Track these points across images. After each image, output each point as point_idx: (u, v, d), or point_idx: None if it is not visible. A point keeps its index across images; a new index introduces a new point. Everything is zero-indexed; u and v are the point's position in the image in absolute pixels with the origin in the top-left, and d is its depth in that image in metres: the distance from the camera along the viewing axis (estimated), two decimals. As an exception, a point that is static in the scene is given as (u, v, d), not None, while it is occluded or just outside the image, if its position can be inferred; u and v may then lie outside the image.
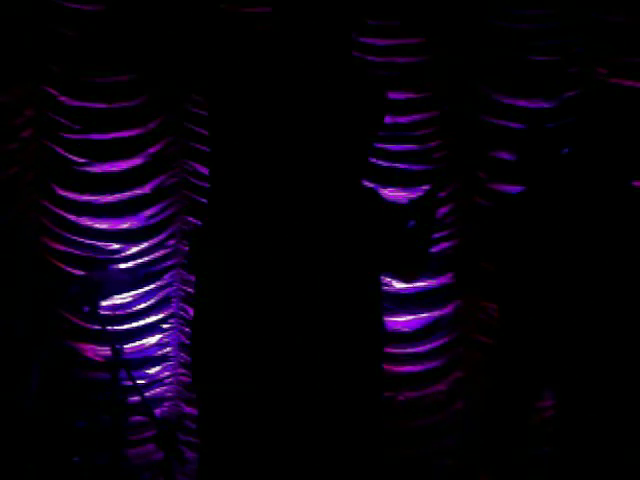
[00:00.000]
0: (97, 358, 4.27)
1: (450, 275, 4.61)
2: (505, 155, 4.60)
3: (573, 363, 3.10)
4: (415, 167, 4.71)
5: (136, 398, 3.98)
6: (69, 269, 4.42)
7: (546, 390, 3.30)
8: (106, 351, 4.04)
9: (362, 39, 4.77)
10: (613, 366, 3.08)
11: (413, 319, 4.64)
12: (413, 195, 2.83)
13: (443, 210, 4.69)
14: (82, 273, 4.20)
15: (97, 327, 4.05)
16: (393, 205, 3.49)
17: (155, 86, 4.60)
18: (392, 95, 4.77)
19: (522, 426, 3.21)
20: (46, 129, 4.57)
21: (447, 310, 4.65)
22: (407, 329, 4.60)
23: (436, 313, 4.65)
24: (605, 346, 3.07)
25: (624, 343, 3.07)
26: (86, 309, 3.92)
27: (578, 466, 3.10)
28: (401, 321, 4.59)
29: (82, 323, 4.41)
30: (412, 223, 2.79)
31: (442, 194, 4.05)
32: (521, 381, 3.19)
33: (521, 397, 3.20)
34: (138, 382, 3.92)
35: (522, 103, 4.76)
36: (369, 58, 4.78)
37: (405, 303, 4.62)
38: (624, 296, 3.10)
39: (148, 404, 3.71)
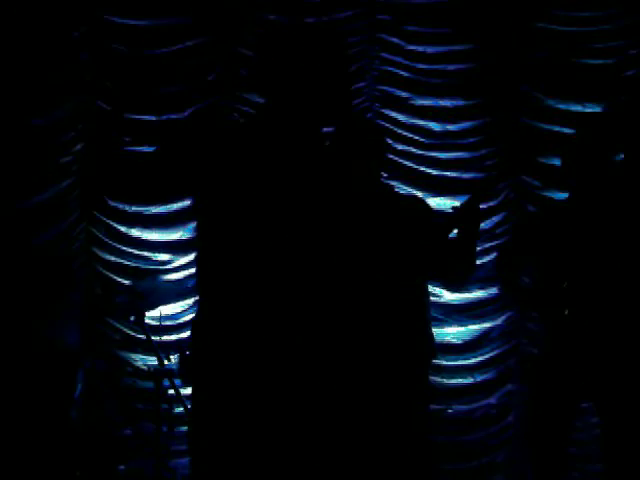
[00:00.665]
0: (145, 368, 4.29)
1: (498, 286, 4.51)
2: (558, 162, 4.48)
3: (617, 377, 2.98)
4: (465, 175, 4.62)
5: (182, 408, 4.02)
6: (118, 279, 4.47)
7: (588, 403, 3.19)
8: (153, 361, 4.09)
9: (411, 46, 4.73)
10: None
11: (463, 330, 4.55)
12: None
13: (494, 219, 4.60)
14: (129, 282, 4.24)
15: (144, 337, 4.09)
16: (439, 213, 3.45)
17: (203, 96, 4.63)
18: (442, 102, 4.74)
19: (565, 438, 3.10)
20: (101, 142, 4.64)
21: (498, 321, 4.55)
22: (457, 340, 4.51)
23: (487, 324, 4.55)
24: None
25: None
26: (132, 318, 3.96)
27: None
28: (451, 332, 4.51)
29: (131, 333, 4.46)
30: (456, 231, 2.74)
31: (486, 201, 3.96)
32: (563, 394, 3.08)
33: (563, 410, 3.09)
34: (183, 392, 3.94)
35: (576, 108, 4.64)
36: (418, 66, 4.74)
37: (455, 314, 4.54)
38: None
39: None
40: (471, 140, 4.66)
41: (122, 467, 3.90)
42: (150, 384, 3.94)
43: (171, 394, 3.94)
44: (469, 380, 4.44)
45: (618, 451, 3.03)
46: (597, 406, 3.12)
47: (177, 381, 3.88)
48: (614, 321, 3.02)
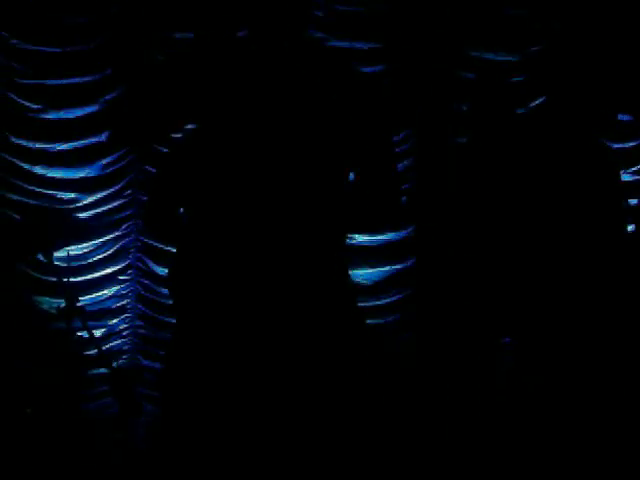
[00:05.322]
0: (52, 310, 4.17)
1: (411, 228, 4.59)
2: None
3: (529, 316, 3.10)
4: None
5: (93, 351, 3.93)
6: (23, 219, 4.29)
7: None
8: (62, 303, 3.97)
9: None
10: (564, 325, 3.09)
11: (373, 272, 4.62)
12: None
13: (405, 162, 4.66)
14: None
15: (52, 278, 3.96)
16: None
17: (112, 30, 4.44)
18: (358, 45, 4.72)
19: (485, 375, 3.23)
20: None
21: (408, 263, 4.64)
22: (367, 282, 4.58)
23: (397, 266, 4.64)
24: (565, 300, 3.08)
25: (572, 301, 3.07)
26: (40, 258, 3.82)
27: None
28: (361, 273, 4.57)
29: (37, 274, 4.31)
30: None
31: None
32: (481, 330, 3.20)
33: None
34: (94, 334, 3.85)
35: (488, 56, 4.72)
36: (334, 6, 4.69)
37: (367, 256, 4.60)
38: (579, 253, 3.10)
39: (105, 356, 3.65)
40: (386, 83, 4.66)
41: (32, 412, 3.80)
42: (61, 326, 3.83)
43: (82, 336, 3.85)
44: (379, 320, 4.52)
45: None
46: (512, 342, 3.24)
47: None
48: (525, 260, 3.12)
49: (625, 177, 4.63)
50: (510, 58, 4.65)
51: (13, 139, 4.41)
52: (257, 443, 1.86)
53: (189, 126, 1.99)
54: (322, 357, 1.90)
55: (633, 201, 3.65)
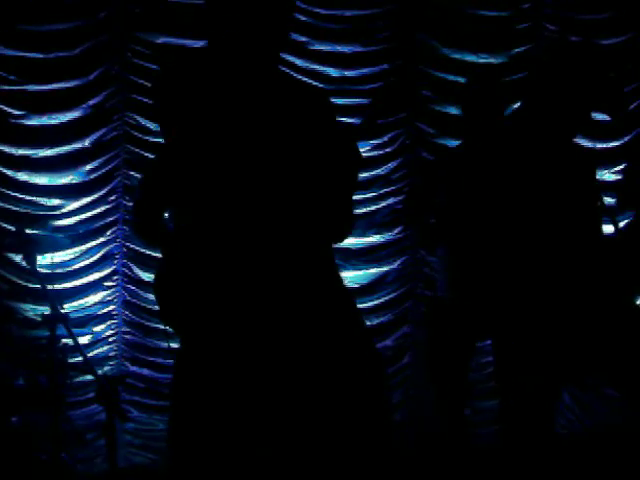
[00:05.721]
0: (37, 317, 4.14)
1: (397, 230, 4.60)
2: (453, 110, 4.59)
3: (510, 317, 3.10)
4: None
5: (79, 358, 3.90)
6: (5, 225, 4.26)
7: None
8: (46, 310, 3.93)
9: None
10: (551, 319, 3.09)
11: (361, 274, 4.63)
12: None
13: (390, 164, 4.67)
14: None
15: (36, 285, 3.93)
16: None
17: (95, 35, 4.43)
18: (340, 48, 4.73)
19: (462, 379, 3.23)
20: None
21: (394, 265, 4.65)
22: (354, 284, 4.59)
23: (383, 268, 4.64)
24: (544, 300, 3.08)
25: (562, 296, 3.08)
26: (24, 264, 3.79)
27: (523, 414, 3.13)
28: (349, 276, 4.57)
29: (21, 281, 4.28)
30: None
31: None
32: (459, 335, 3.20)
33: (459, 351, 3.22)
34: (80, 341, 3.83)
35: (470, 58, 4.74)
36: (316, 10, 4.70)
37: (352, 258, 4.60)
38: (565, 249, 3.11)
39: (89, 362, 3.62)
40: (369, 87, 4.68)
41: (15, 419, 3.77)
42: (45, 334, 3.80)
43: (67, 343, 3.82)
44: (368, 322, 4.51)
45: (510, 388, 3.17)
46: (493, 344, 3.25)
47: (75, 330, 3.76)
48: (509, 261, 3.13)
49: (608, 177, 4.67)
50: (492, 60, 4.68)
51: (-5, 146, 4.38)
52: (257, 446, 1.86)
53: (175, 129, 1.98)
54: (320, 358, 1.90)
55: (611, 201, 3.68)
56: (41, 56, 4.40)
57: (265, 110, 1.93)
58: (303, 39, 4.68)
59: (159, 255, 2.10)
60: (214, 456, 1.88)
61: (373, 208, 4.64)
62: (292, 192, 1.93)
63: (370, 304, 4.60)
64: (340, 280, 2.05)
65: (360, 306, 4.56)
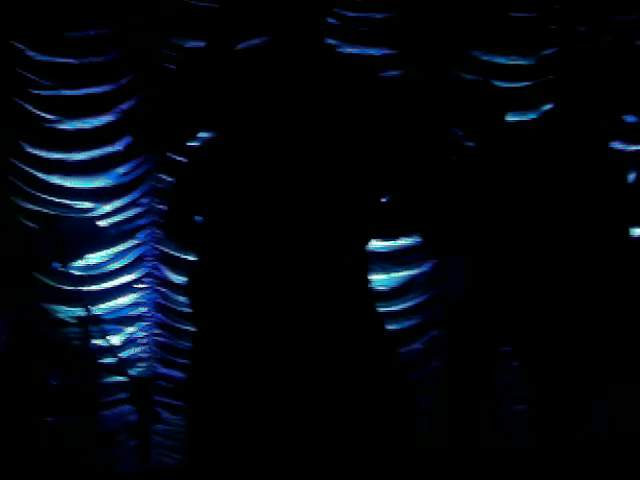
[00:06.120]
0: (70, 319, 4.19)
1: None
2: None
3: (534, 322, 3.08)
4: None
5: (110, 359, 3.96)
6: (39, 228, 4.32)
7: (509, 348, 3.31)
8: (79, 311, 3.99)
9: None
10: (573, 324, 3.07)
11: (390, 277, 4.62)
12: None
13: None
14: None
15: (69, 287, 3.99)
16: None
17: (127, 40, 4.47)
18: (370, 51, 4.73)
19: (488, 382, 3.22)
20: (15, 85, 4.44)
21: (424, 268, 4.64)
22: (384, 288, 4.58)
23: (412, 271, 4.63)
24: (568, 306, 3.06)
25: (586, 303, 3.05)
26: (57, 266, 3.85)
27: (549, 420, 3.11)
28: (378, 279, 4.56)
29: (54, 283, 4.33)
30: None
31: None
32: (483, 338, 3.19)
33: (485, 354, 3.21)
34: (112, 343, 3.88)
35: (500, 60, 4.72)
36: (346, 13, 4.70)
37: (381, 261, 4.60)
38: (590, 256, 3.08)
39: (122, 364, 3.67)
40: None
41: (50, 419, 3.83)
42: (78, 336, 3.85)
43: (100, 345, 3.87)
44: (395, 326, 4.51)
45: (538, 392, 3.15)
46: (515, 351, 3.23)
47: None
48: (529, 267, 3.11)
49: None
50: (522, 62, 4.65)
51: (30, 149, 4.44)
52: (278, 448, 1.87)
53: (206, 134, 2.00)
54: (346, 364, 1.90)
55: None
56: (74, 61, 4.46)
57: (299, 111, 1.94)
58: (333, 42, 4.68)
59: (190, 258, 2.12)
60: (230, 456, 1.89)
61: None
62: (333, 195, 1.93)
63: (399, 307, 4.60)
64: (366, 284, 2.05)
65: (389, 309, 4.57)
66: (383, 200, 2.16)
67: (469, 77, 4.67)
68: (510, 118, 3.47)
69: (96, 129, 4.47)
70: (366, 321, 1.99)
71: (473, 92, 3.47)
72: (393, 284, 4.63)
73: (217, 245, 1.97)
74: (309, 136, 1.93)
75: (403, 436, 1.96)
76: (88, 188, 4.48)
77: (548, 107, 3.85)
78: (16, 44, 4.40)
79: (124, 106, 4.48)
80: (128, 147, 4.46)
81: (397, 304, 4.60)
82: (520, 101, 4.48)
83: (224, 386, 1.91)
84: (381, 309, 4.43)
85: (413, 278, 4.65)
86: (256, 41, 2.00)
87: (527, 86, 4.64)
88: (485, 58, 4.70)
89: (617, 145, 4.00)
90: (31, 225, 4.35)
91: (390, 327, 4.69)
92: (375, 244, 4.70)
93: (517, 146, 3.26)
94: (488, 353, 3.23)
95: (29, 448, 3.69)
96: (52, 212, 4.41)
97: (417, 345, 4.61)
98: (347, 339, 1.92)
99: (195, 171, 2.12)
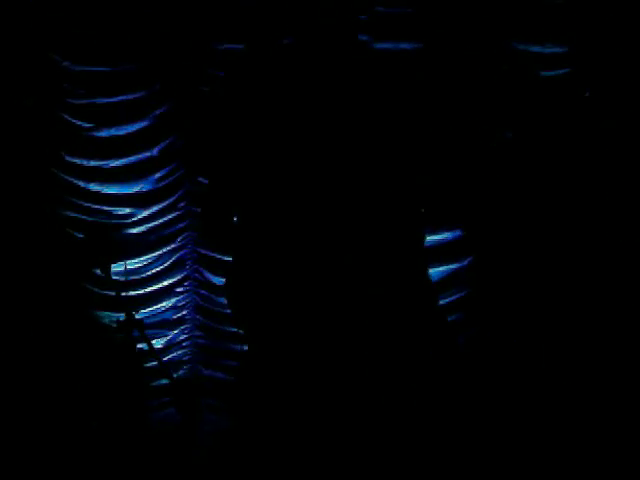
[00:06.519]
0: (113, 323, 4.23)
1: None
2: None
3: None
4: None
5: (153, 362, 3.97)
6: (78, 235, 4.37)
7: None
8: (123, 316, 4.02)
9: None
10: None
11: (431, 272, 4.57)
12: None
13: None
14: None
15: (111, 292, 4.02)
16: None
17: (159, 47, 4.50)
18: (402, 46, 4.69)
19: None
20: (51, 95, 4.50)
21: (465, 263, 4.59)
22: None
23: (454, 265, 4.59)
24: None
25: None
26: (97, 272, 3.88)
27: None
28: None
29: (97, 289, 4.38)
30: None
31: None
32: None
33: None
34: (154, 346, 3.90)
35: (535, 49, 4.65)
36: (378, 8, 4.67)
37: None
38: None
39: (165, 367, 3.69)
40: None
41: (96, 424, 3.86)
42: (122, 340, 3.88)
43: (142, 347, 3.89)
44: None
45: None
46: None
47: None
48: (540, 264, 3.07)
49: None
50: (557, 50, 4.57)
51: (68, 158, 4.50)
52: (336, 449, 1.85)
53: (240, 134, 1.99)
54: (401, 359, 1.88)
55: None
56: (108, 69, 4.50)
57: (338, 110, 1.92)
58: (364, 38, 4.66)
59: (229, 259, 2.11)
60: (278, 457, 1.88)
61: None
62: (371, 194, 1.91)
63: (442, 302, 4.54)
64: (425, 278, 2.02)
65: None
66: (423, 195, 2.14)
67: (506, 67, 4.61)
68: (548, 107, 3.41)
69: (131, 135, 4.51)
70: (411, 318, 1.97)
71: (511, 83, 3.42)
72: (433, 279, 4.58)
73: (253, 245, 1.96)
74: (343, 132, 1.92)
75: (447, 430, 1.93)
76: (126, 194, 4.52)
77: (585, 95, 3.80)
78: (51, 54, 4.46)
79: (157, 112, 4.51)
80: (163, 152, 4.50)
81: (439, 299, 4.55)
82: (556, 90, 4.41)
83: (268, 387, 1.90)
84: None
85: (454, 273, 4.60)
86: (288, 40, 1.99)
87: (564, 74, 4.56)
88: (521, 47, 4.64)
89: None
90: (73, 233, 4.40)
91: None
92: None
93: (555, 138, 3.21)
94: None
95: (75, 453, 3.72)
96: (92, 219, 4.47)
97: (458, 341, 4.55)
98: (391, 335, 1.90)
99: (228, 172, 2.11)
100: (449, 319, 4.44)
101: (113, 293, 3.91)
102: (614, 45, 3.29)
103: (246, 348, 2.03)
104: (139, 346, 3.90)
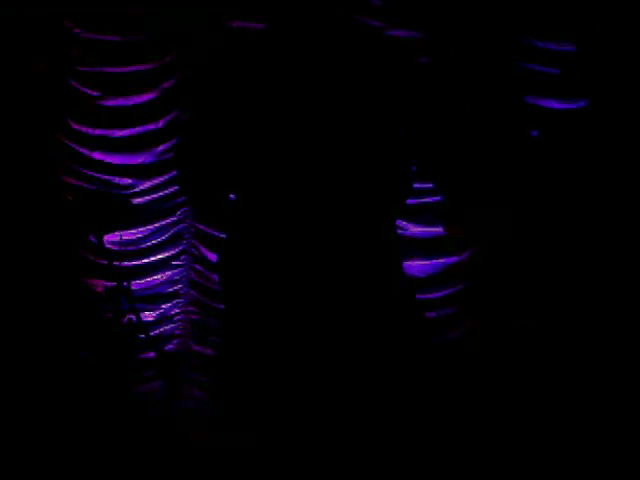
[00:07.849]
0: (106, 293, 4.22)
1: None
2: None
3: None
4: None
5: (141, 334, 3.97)
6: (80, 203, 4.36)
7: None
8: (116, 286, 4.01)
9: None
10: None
11: (428, 264, 4.55)
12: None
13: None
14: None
15: (104, 261, 4.02)
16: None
17: (169, 19, 4.48)
18: (416, 34, 4.65)
19: None
20: (61, 61, 4.49)
21: (462, 257, 4.56)
22: (421, 274, 4.52)
23: (451, 259, 4.56)
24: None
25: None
26: (92, 239, 3.88)
27: None
28: (415, 266, 4.50)
29: (92, 258, 4.38)
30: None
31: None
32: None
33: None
34: (145, 318, 3.90)
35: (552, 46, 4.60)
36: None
37: (419, 248, 4.53)
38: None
39: (152, 338, 3.69)
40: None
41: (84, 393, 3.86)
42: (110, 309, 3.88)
43: (132, 318, 3.89)
44: (433, 314, 4.45)
45: None
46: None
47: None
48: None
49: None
50: (567, 48, 4.52)
51: (73, 125, 4.50)
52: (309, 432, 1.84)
53: (238, 113, 1.97)
54: (378, 348, 1.86)
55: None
56: (118, 39, 4.49)
57: (333, 95, 1.90)
58: (378, 24, 4.62)
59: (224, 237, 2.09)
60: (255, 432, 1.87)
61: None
62: (360, 178, 1.89)
63: (436, 295, 4.52)
64: (400, 273, 1.99)
65: (426, 297, 4.50)
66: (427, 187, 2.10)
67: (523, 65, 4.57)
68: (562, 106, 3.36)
69: (138, 107, 4.50)
70: (403, 308, 1.94)
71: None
72: (431, 272, 4.56)
73: (248, 224, 1.94)
74: (353, 117, 1.89)
75: (432, 425, 1.91)
76: (129, 165, 4.52)
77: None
78: (63, 21, 4.45)
79: (166, 84, 4.49)
80: (169, 125, 4.49)
81: (435, 292, 4.53)
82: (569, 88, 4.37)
83: (251, 367, 1.89)
84: (418, 297, 4.36)
85: (451, 266, 4.57)
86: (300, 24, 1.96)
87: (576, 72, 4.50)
88: (539, 45, 4.58)
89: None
90: (72, 200, 4.40)
91: (428, 315, 4.66)
92: (413, 230, 4.66)
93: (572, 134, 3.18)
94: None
95: (61, 425, 3.72)
96: (92, 187, 4.47)
97: (454, 334, 4.53)
98: (383, 326, 1.88)
99: (224, 150, 2.08)
100: (447, 312, 4.46)
101: (108, 263, 3.91)
102: (617, 44, 3.24)
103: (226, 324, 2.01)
104: (129, 316, 3.91)
